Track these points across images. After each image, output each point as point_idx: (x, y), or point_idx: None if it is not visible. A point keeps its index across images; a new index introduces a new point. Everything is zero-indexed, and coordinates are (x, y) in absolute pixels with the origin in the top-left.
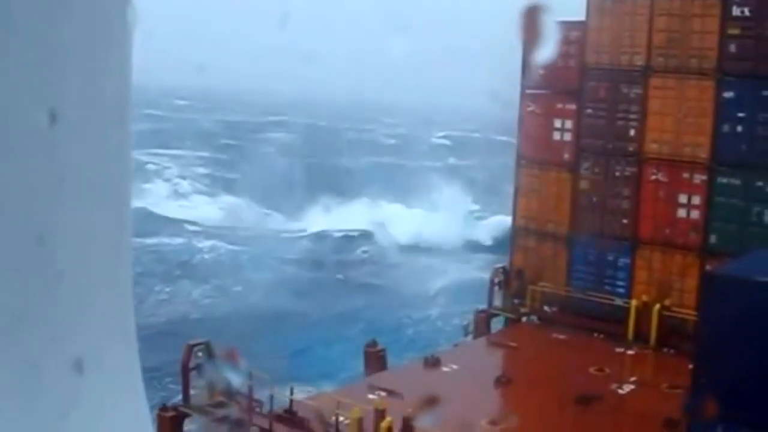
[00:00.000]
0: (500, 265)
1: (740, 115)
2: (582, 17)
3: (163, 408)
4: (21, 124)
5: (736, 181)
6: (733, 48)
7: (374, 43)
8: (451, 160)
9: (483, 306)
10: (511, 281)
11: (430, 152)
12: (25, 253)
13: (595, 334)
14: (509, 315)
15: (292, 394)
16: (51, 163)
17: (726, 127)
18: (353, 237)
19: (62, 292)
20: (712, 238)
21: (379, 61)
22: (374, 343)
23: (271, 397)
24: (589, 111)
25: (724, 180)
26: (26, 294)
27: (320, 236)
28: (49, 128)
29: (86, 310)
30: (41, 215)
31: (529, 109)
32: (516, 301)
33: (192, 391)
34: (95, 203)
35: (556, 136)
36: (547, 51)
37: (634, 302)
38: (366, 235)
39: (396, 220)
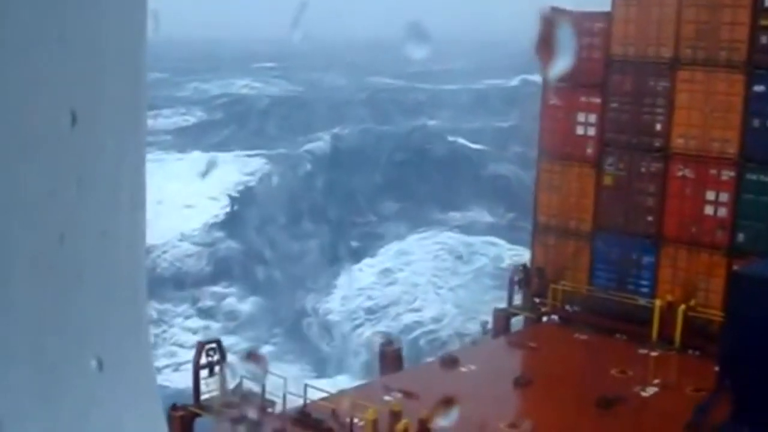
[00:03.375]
0: (520, 262)
1: None
2: (607, 8)
3: (173, 407)
4: (44, 125)
5: (766, 178)
6: (764, 40)
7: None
8: None
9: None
10: (532, 280)
11: None
12: (47, 253)
13: (618, 335)
14: (529, 314)
15: (305, 394)
16: (72, 163)
17: (756, 122)
18: None
19: (81, 292)
20: (740, 237)
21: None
22: (390, 342)
23: (284, 398)
24: (614, 105)
25: (754, 177)
26: (48, 294)
27: None
28: (70, 130)
29: (104, 311)
30: (63, 214)
31: (551, 102)
32: (536, 300)
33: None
34: (113, 204)
35: (580, 130)
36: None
37: (658, 302)
38: None
39: None
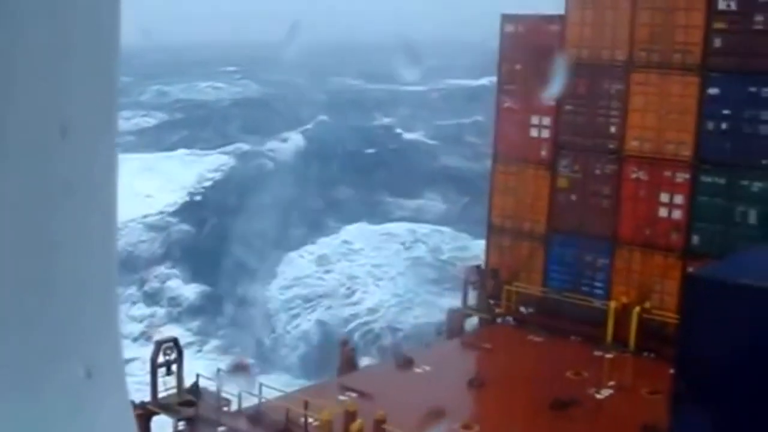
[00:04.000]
0: (475, 263)
1: (725, 112)
2: (561, 11)
3: (132, 406)
4: (24, 132)
5: (721, 180)
6: (718, 43)
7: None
8: None
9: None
10: (486, 281)
11: None
12: (28, 257)
13: (573, 337)
14: (484, 316)
15: (260, 393)
16: (58, 172)
17: (710, 125)
18: None
19: (63, 296)
20: (695, 239)
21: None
22: (345, 342)
23: (240, 397)
24: (569, 107)
25: (708, 179)
26: (33, 298)
27: None
28: (60, 141)
29: (82, 314)
30: (51, 222)
31: (506, 105)
32: (491, 301)
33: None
34: (93, 211)
35: (534, 132)
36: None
37: (613, 304)
38: None
39: None
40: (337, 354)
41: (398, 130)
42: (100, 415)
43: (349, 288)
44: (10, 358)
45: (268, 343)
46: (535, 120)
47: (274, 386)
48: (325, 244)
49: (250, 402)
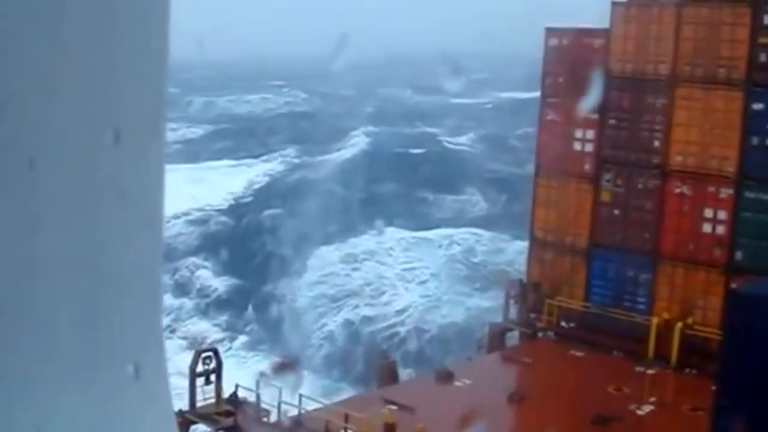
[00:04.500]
0: (516, 277)
1: None
2: (606, 25)
3: None
4: (88, 142)
5: (765, 196)
6: (763, 58)
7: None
8: None
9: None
10: (528, 295)
11: None
12: (84, 260)
13: (614, 352)
14: (525, 330)
15: (300, 403)
16: (110, 176)
17: (755, 140)
18: None
19: (111, 297)
20: (738, 255)
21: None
22: (386, 356)
23: (279, 407)
24: (612, 121)
25: (752, 195)
26: (81, 298)
27: None
28: (113, 146)
29: (129, 315)
30: (101, 224)
31: (549, 117)
32: (532, 315)
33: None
34: (141, 214)
35: (577, 146)
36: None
37: (655, 320)
38: None
39: None
40: (364, 357)
41: (442, 138)
42: (146, 416)
43: (377, 289)
44: (62, 356)
45: (294, 342)
46: (578, 133)
47: (312, 396)
48: (358, 244)
49: (289, 412)
